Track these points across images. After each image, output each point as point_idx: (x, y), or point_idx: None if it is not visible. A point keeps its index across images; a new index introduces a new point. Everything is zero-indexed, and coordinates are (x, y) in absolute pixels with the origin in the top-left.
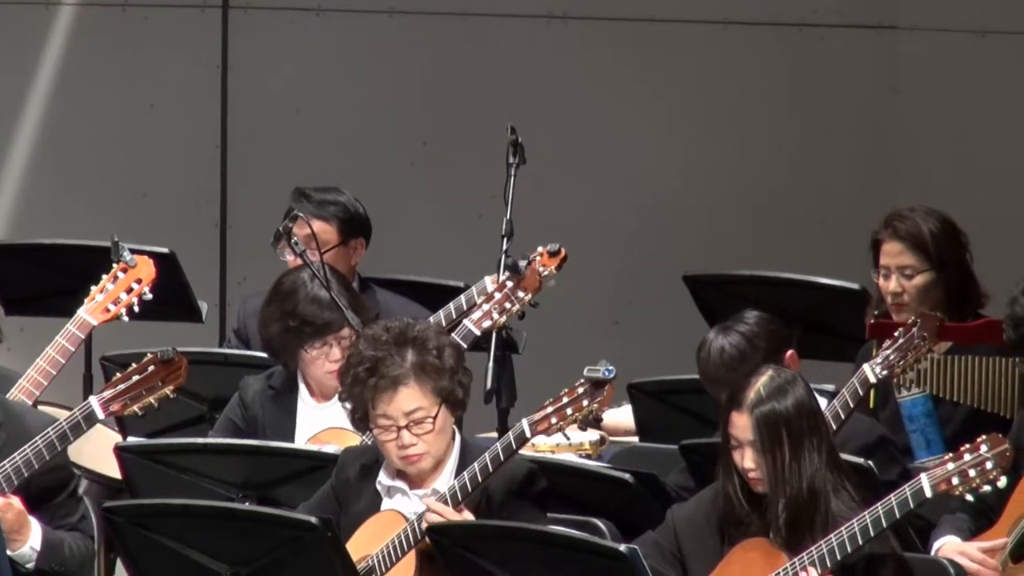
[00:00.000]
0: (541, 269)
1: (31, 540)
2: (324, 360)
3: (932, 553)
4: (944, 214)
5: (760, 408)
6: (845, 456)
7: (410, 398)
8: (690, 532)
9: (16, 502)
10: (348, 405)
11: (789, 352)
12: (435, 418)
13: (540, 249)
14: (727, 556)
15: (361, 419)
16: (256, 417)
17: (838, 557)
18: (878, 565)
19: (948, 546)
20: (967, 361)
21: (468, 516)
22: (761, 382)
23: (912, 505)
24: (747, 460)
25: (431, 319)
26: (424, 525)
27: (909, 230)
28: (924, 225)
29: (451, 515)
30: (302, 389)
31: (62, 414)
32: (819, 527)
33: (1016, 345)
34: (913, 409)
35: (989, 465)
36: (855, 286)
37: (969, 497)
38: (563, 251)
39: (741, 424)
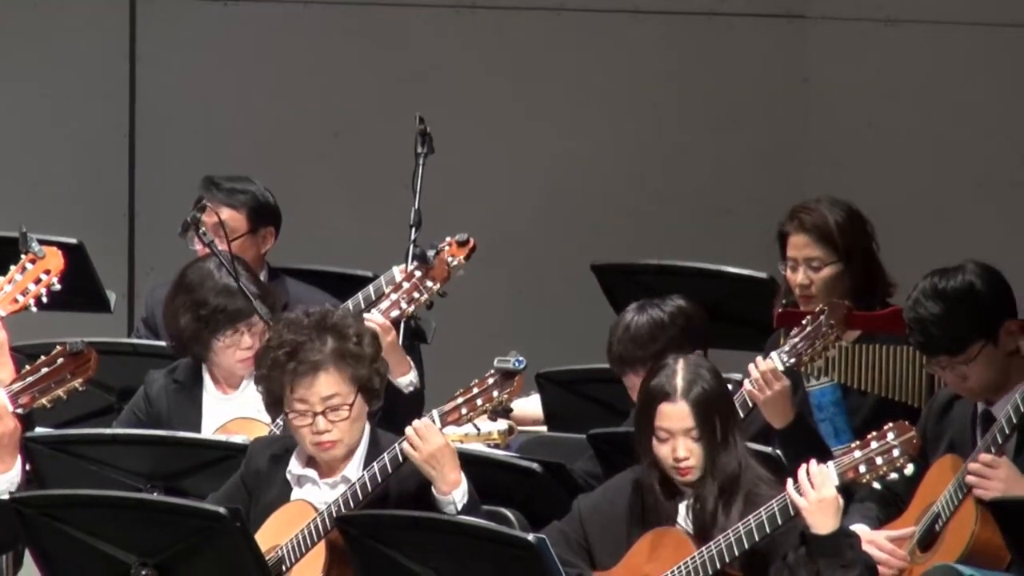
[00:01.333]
0: (450, 259)
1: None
2: (235, 348)
3: None
4: (850, 204)
5: (693, 393)
6: (754, 445)
7: (328, 384)
8: (597, 521)
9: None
10: (262, 389)
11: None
12: (351, 405)
13: (449, 239)
14: (635, 545)
15: (275, 404)
16: (160, 413)
17: (746, 545)
18: (787, 551)
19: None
20: (875, 350)
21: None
22: (680, 369)
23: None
24: (680, 450)
25: (347, 305)
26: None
27: (815, 222)
28: (830, 216)
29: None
30: (207, 380)
31: None
32: (738, 511)
33: (926, 349)
34: (822, 398)
35: (896, 452)
36: (763, 275)
37: (876, 485)
38: (472, 241)
39: (675, 414)
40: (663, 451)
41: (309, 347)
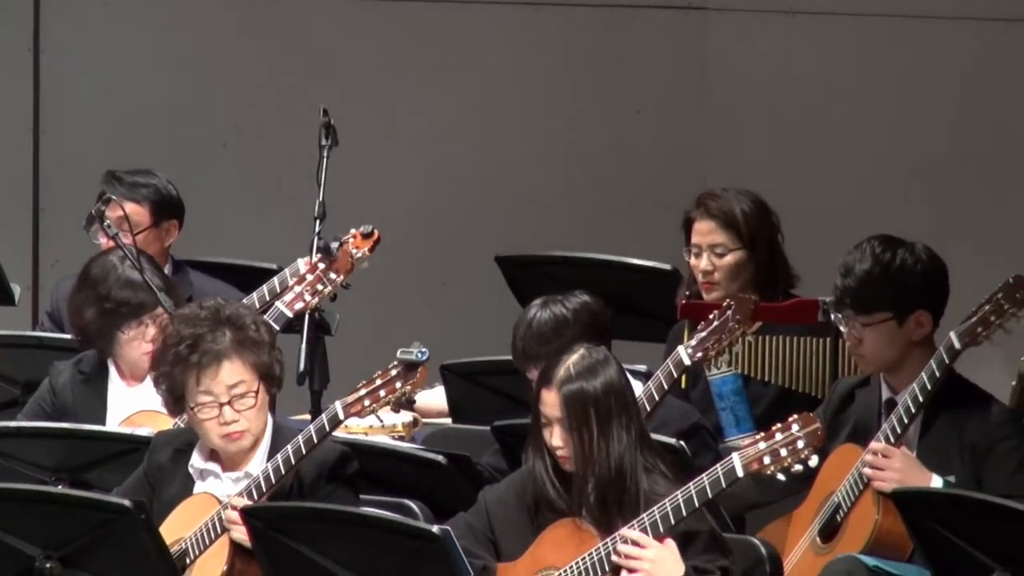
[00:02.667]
0: (354, 251)
1: None
2: (140, 340)
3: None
4: (756, 195)
5: (568, 386)
6: (658, 436)
7: (233, 372)
8: (502, 513)
9: None
10: (164, 387)
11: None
12: (257, 393)
13: (353, 231)
14: (539, 537)
15: (178, 400)
16: (66, 404)
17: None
18: (693, 542)
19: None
20: (777, 341)
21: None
22: (572, 360)
23: (724, 484)
24: (555, 438)
25: (244, 301)
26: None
27: (721, 208)
28: (736, 205)
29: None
30: (112, 372)
31: None
32: (629, 507)
33: (841, 296)
34: (723, 387)
35: (801, 444)
36: (667, 267)
37: (781, 476)
38: (376, 233)
39: (550, 401)
40: (545, 435)
41: (209, 338)
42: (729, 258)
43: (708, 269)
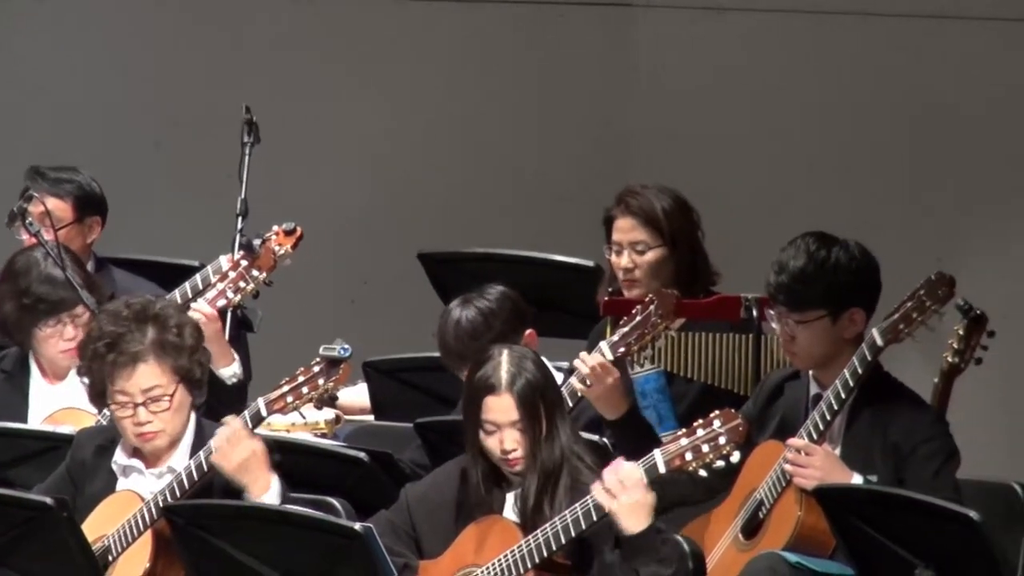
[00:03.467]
0: (277, 248)
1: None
2: (58, 339)
3: None
4: (677, 192)
5: (518, 384)
6: (583, 433)
7: (148, 375)
8: (424, 510)
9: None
10: (86, 380)
11: (528, 331)
12: (172, 396)
13: (276, 228)
14: (462, 534)
15: (99, 395)
16: None
17: (572, 533)
18: (613, 538)
19: None
20: (700, 337)
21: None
22: (505, 361)
23: (647, 480)
24: (508, 442)
25: (167, 298)
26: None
27: (641, 206)
28: (657, 202)
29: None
30: (34, 370)
31: None
32: (561, 501)
33: (773, 293)
34: (646, 385)
35: (722, 440)
36: (589, 263)
37: (703, 472)
38: (299, 230)
39: (501, 407)
40: (491, 443)
41: (129, 338)
42: (650, 255)
43: (629, 266)
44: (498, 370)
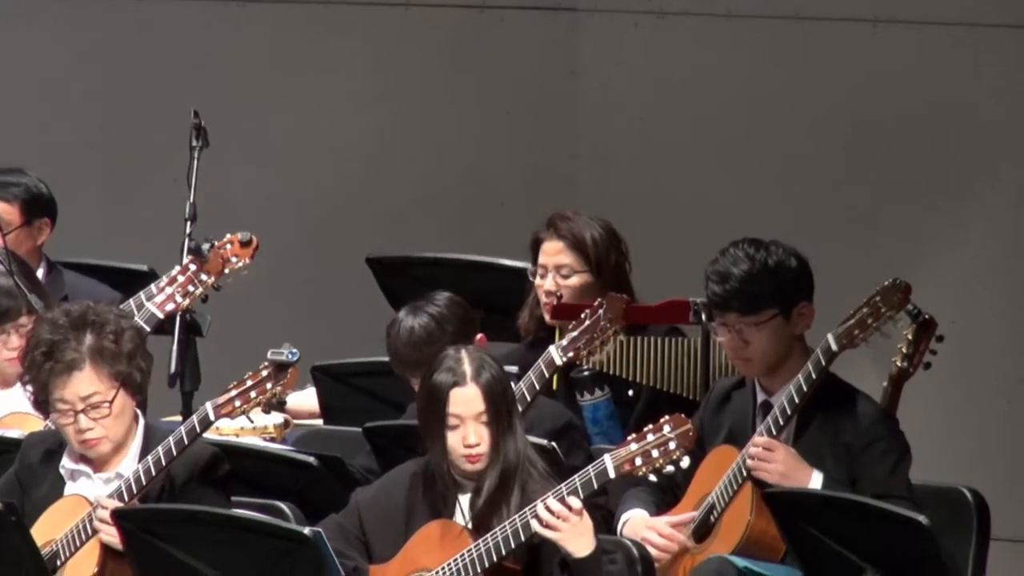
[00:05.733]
0: (234, 259)
1: None
2: (2, 348)
3: (619, 525)
4: (608, 223)
5: (483, 377)
6: (531, 438)
7: (86, 382)
8: (374, 514)
9: None
10: (30, 389)
11: (479, 336)
12: (112, 402)
13: (230, 237)
14: (412, 538)
15: (42, 403)
16: None
17: (522, 538)
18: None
19: (636, 519)
20: (650, 342)
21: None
22: (467, 356)
23: (596, 486)
24: (471, 436)
25: (130, 303)
26: (103, 512)
27: (571, 230)
28: (587, 229)
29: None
30: None
31: None
32: (513, 504)
33: (721, 302)
34: (596, 412)
35: (672, 445)
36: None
37: (653, 477)
38: (255, 240)
39: (467, 398)
40: (452, 439)
41: (65, 346)
42: (574, 279)
43: (552, 289)
44: (461, 364)
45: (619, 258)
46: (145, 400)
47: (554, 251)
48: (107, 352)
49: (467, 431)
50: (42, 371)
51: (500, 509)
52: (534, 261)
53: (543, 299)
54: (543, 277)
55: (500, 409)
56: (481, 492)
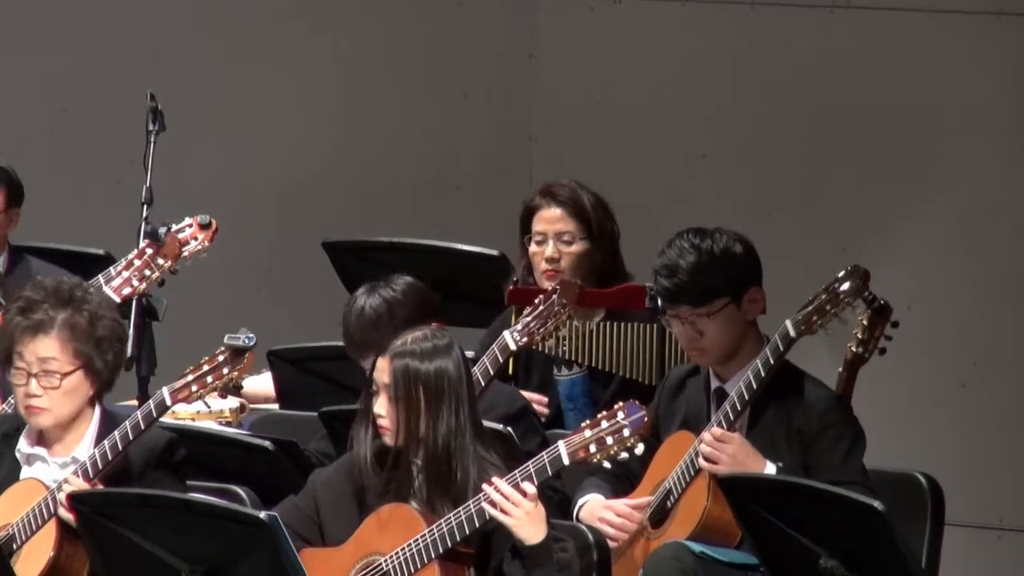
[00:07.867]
0: (193, 242)
1: None
2: None
3: (575, 510)
4: (595, 192)
5: (399, 359)
6: (487, 423)
7: (48, 347)
8: (330, 497)
9: None
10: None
11: (435, 324)
12: (65, 376)
13: (189, 220)
14: (366, 520)
15: (6, 358)
16: None
17: (476, 523)
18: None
19: (593, 502)
20: (605, 327)
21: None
22: (413, 336)
23: (550, 472)
24: (379, 405)
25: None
26: (62, 495)
27: (570, 197)
28: (584, 196)
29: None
30: None
31: None
32: (455, 494)
33: (671, 295)
34: (572, 389)
35: (626, 432)
36: (494, 252)
37: (607, 464)
38: (215, 223)
39: (382, 367)
40: (375, 404)
41: (40, 308)
42: (576, 247)
43: (554, 256)
44: (400, 338)
45: (612, 226)
46: (101, 390)
47: (554, 218)
48: (78, 328)
49: (379, 399)
50: (12, 324)
51: (441, 497)
52: (526, 230)
53: (543, 267)
54: (541, 244)
55: (406, 396)
56: (406, 470)
